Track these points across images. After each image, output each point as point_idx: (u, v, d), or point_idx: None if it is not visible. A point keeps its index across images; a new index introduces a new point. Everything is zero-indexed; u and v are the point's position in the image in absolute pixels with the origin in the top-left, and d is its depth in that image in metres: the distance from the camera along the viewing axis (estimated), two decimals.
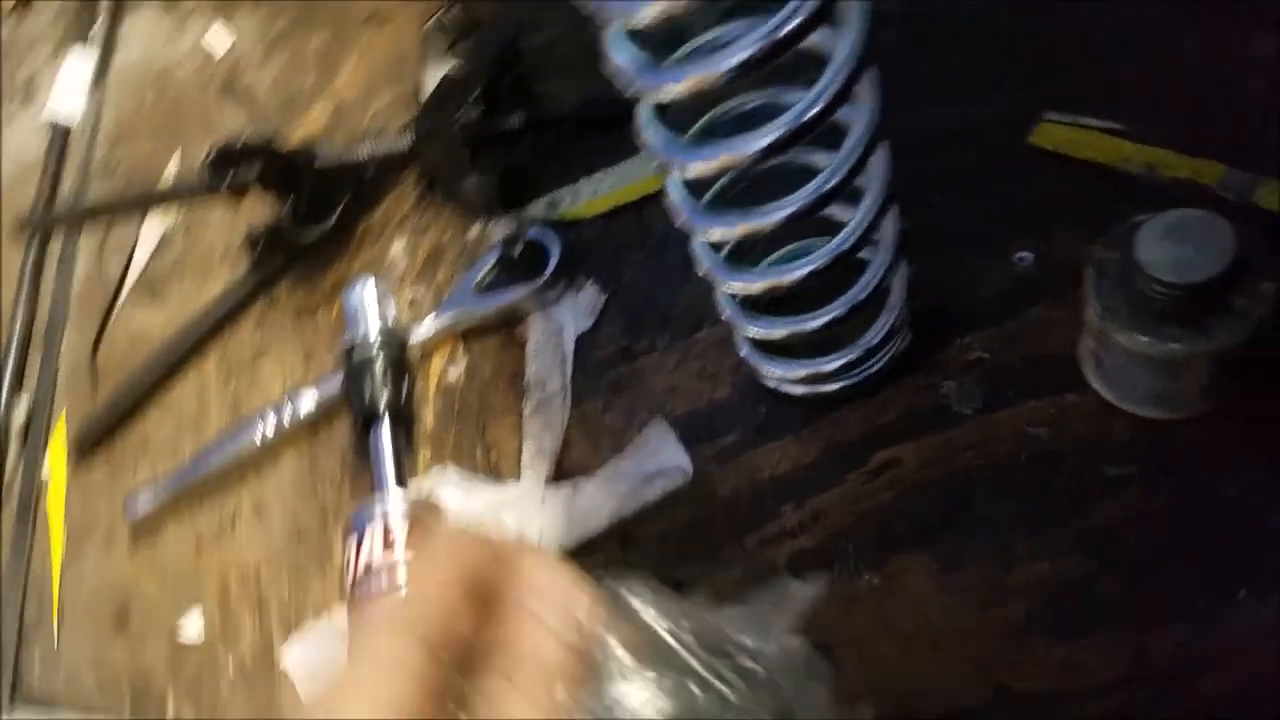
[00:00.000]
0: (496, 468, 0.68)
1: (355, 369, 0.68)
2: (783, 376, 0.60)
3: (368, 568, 0.57)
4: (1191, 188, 0.57)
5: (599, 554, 0.61)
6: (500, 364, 0.73)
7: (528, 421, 0.68)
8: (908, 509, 0.56)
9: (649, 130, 0.47)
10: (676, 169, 0.48)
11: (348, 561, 0.59)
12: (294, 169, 0.76)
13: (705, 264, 0.54)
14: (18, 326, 0.92)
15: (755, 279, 0.53)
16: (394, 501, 0.60)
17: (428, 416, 0.72)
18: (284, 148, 0.76)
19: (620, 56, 0.42)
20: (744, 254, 0.57)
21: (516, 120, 0.77)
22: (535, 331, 0.72)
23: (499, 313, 0.73)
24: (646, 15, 0.38)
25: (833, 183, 0.44)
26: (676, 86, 0.41)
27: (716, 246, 0.55)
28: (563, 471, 0.65)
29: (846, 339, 0.59)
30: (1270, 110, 0.58)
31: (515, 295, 0.72)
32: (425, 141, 0.78)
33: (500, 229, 0.78)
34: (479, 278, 0.73)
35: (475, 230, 0.79)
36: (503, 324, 0.73)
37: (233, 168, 0.74)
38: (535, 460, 0.66)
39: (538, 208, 0.77)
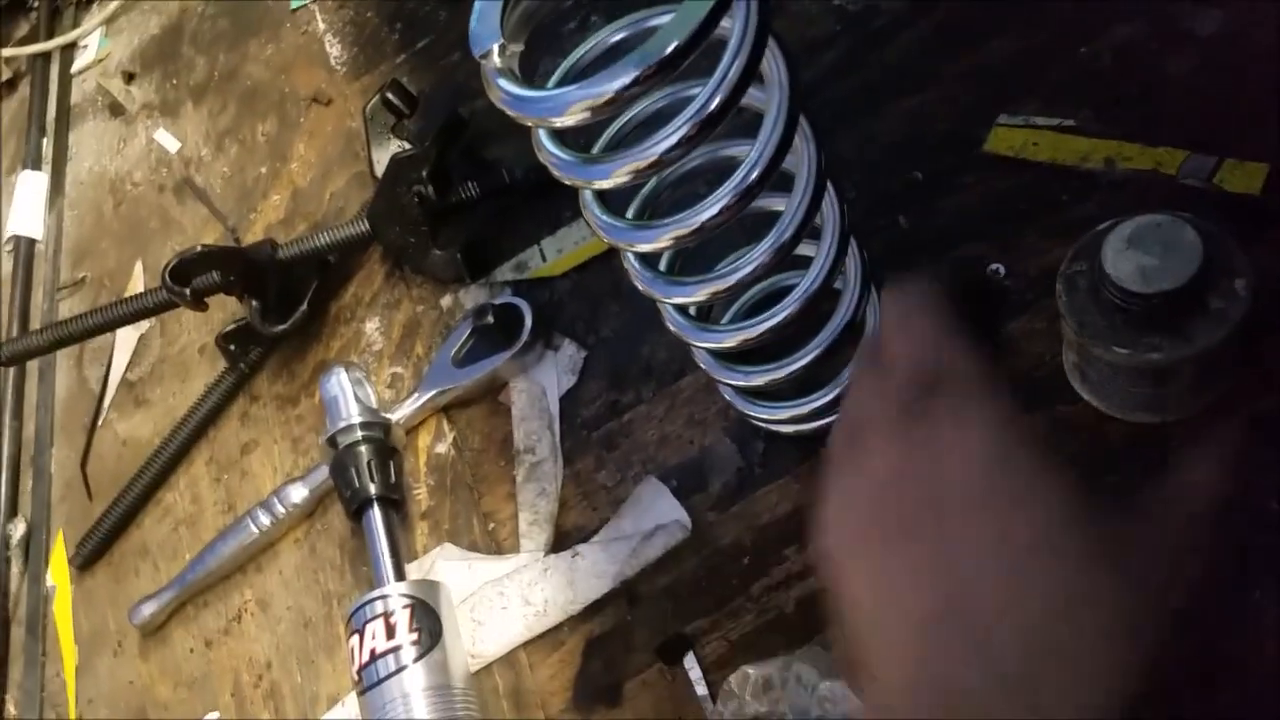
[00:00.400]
0: (495, 537, 0.67)
1: (340, 459, 0.68)
2: (771, 419, 0.59)
3: (373, 653, 0.57)
4: (1153, 179, 0.56)
5: (606, 616, 0.61)
6: (488, 433, 0.72)
7: (521, 489, 0.67)
8: None
9: (592, 214, 0.47)
10: (627, 249, 0.47)
11: (352, 652, 0.58)
12: (256, 267, 0.75)
13: (674, 326, 0.54)
14: (5, 451, 0.91)
15: (726, 336, 0.52)
16: (394, 593, 0.59)
17: (421, 494, 0.71)
18: (243, 247, 0.75)
19: (550, 155, 0.42)
20: (712, 308, 0.56)
21: (471, 189, 0.77)
22: (519, 396, 0.71)
23: (480, 383, 0.72)
24: (568, 120, 0.37)
25: (786, 235, 0.44)
26: (609, 181, 0.40)
27: (682, 307, 0.54)
28: (562, 534, 0.64)
29: (830, 374, 0.58)
30: (1223, 89, 0.57)
31: (493, 363, 0.71)
32: (383, 222, 0.78)
33: (471, 296, 0.78)
34: (455, 350, 0.73)
35: (448, 300, 0.79)
36: (486, 393, 0.73)
37: (193, 277, 0.73)
38: (532, 529, 0.65)
39: (505, 271, 0.77)
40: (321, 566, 0.72)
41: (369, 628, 0.58)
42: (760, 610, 0.57)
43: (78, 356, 0.96)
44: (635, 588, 0.61)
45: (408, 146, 0.75)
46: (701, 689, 0.56)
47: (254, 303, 0.76)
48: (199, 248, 0.71)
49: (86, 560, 0.81)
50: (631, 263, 0.50)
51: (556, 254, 0.76)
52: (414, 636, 0.57)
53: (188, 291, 0.71)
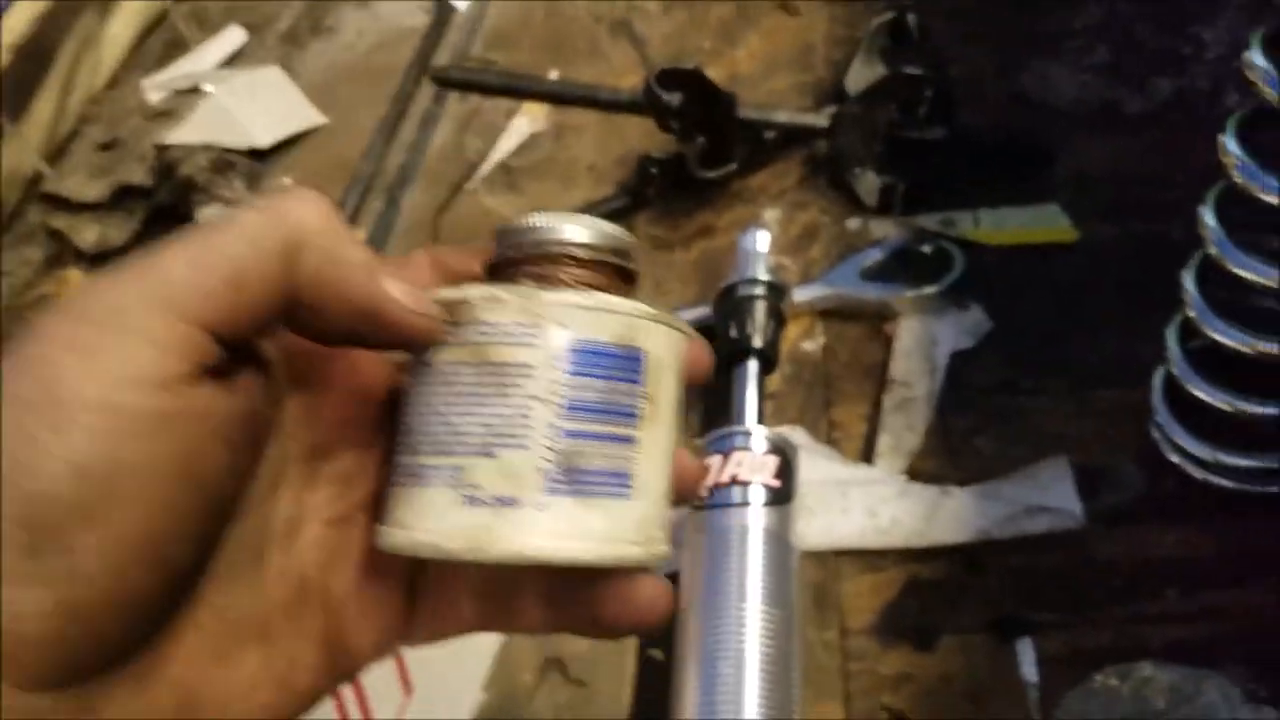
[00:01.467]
0: (838, 446, 0.66)
1: (736, 305, 0.67)
2: (1202, 459, 0.56)
3: (734, 478, 0.56)
4: None
5: (940, 566, 0.58)
6: (858, 354, 0.71)
7: (887, 414, 0.66)
8: None
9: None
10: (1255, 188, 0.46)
11: (709, 467, 0.57)
12: (718, 110, 0.76)
13: (1193, 298, 0.52)
14: (365, 174, 0.95)
15: (1246, 338, 0.51)
16: (757, 433, 0.58)
17: (775, 378, 0.70)
18: (717, 87, 0.76)
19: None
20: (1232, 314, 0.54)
21: (938, 133, 0.77)
22: (907, 334, 0.70)
23: (875, 304, 0.71)
24: None
25: None
26: None
27: (1207, 290, 0.53)
28: (914, 475, 0.63)
29: None
30: None
31: (901, 292, 0.70)
32: (844, 126, 0.78)
33: (882, 229, 0.77)
34: (867, 263, 0.72)
35: (854, 223, 0.79)
36: (870, 317, 0.72)
37: (666, 90, 0.74)
38: (893, 454, 0.64)
39: (930, 221, 0.76)
40: None
41: (735, 455, 0.57)
42: (1120, 634, 0.54)
43: (462, 125, 1.00)
44: (984, 556, 0.58)
45: (911, 70, 0.75)
46: (1031, 675, 0.53)
47: (700, 139, 0.77)
48: (692, 64, 0.73)
49: None
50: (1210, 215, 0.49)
51: (993, 227, 0.74)
52: (775, 483, 0.56)
53: (663, 101, 0.73)
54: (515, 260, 0.28)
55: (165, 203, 1.01)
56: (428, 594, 0.29)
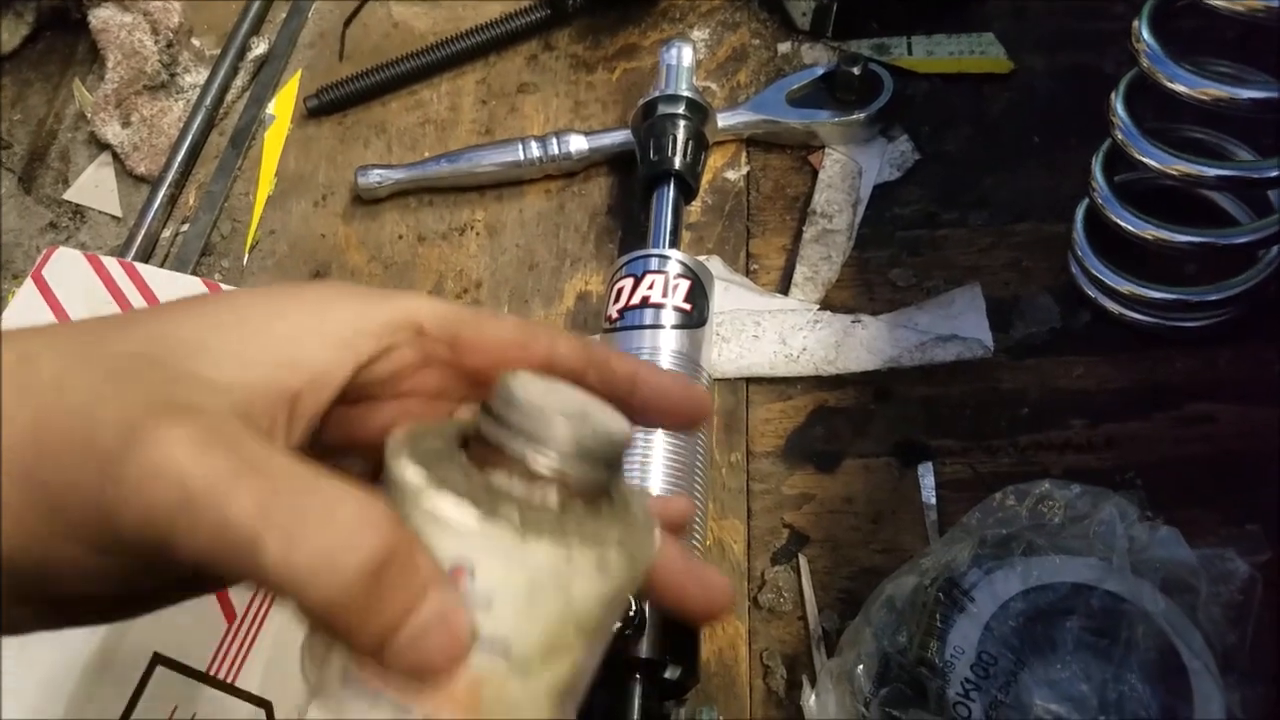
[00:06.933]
0: (755, 278, 0.64)
1: (657, 124, 0.64)
2: (1119, 291, 0.56)
3: (645, 300, 0.54)
4: None
5: (849, 394, 0.58)
6: (782, 184, 0.68)
7: (805, 245, 0.64)
8: (1214, 469, 0.52)
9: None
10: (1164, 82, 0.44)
11: (619, 292, 0.55)
12: None
13: (1122, 123, 0.50)
14: None
15: (1173, 160, 0.49)
16: (678, 261, 0.56)
17: (695, 208, 0.68)
18: None
19: None
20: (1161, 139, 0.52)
21: None
22: (832, 164, 0.67)
23: (801, 131, 0.68)
24: None
25: None
26: None
27: (1137, 118, 0.51)
28: (828, 305, 0.61)
29: (1203, 278, 0.55)
30: None
31: (829, 118, 0.67)
32: None
33: (812, 55, 0.73)
34: (794, 88, 0.69)
35: (785, 47, 0.75)
36: (797, 145, 0.69)
37: None
38: (807, 284, 0.62)
39: (863, 46, 0.72)
40: (566, 225, 0.69)
41: (648, 278, 0.55)
42: (1022, 461, 0.54)
43: None
44: (892, 384, 0.58)
45: None
46: (930, 498, 0.54)
47: None
48: None
49: (319, 109, 0.77)
50: (1147, 28, 0.47)
51: (926, 54, 0.71)
52: (686, 306, 0.54)
53: None
54: (492, 442, 0.26)
55: (56, 3, 0.92)
56: None
